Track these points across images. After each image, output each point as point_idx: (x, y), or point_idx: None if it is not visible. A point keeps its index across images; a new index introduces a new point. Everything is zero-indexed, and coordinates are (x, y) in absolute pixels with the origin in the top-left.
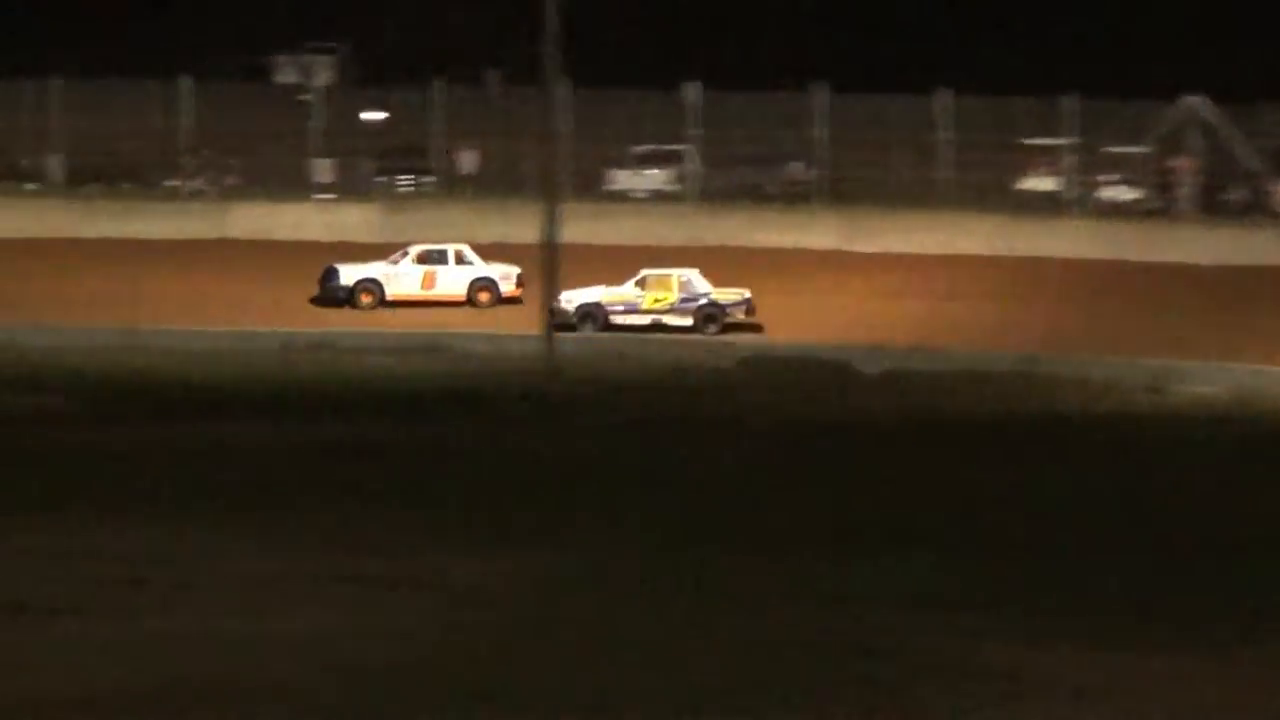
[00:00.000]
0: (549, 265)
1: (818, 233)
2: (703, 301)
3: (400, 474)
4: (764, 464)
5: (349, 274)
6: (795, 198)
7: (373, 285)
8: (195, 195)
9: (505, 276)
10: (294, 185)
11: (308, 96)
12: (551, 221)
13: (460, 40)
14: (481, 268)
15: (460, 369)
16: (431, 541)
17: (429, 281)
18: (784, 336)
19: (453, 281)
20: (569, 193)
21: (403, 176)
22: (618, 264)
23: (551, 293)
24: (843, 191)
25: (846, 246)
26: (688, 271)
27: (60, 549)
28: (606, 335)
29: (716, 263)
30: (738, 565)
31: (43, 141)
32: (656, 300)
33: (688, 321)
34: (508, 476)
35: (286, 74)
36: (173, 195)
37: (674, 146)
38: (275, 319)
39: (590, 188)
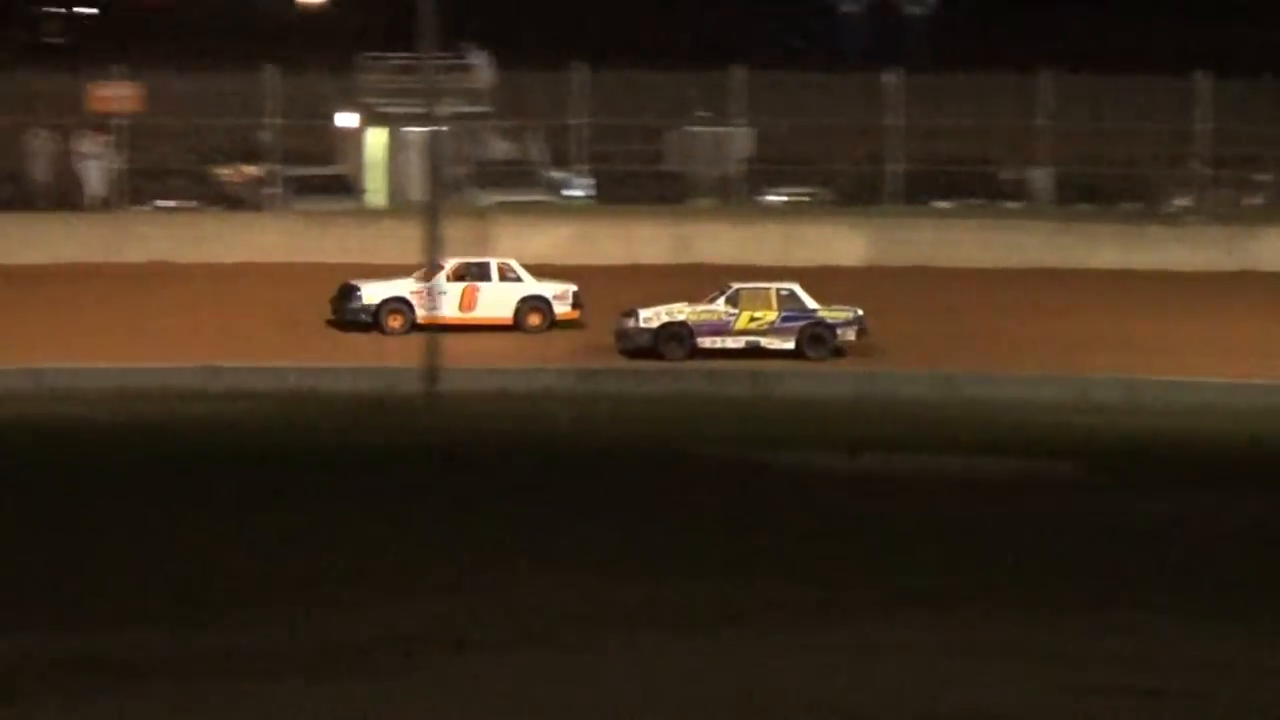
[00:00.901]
0: None
1: None
2: (808, 321)
3: None
4: None
5: (372, 293)
6: None
7: (401, 306)
8: (1205, 217)
9: (560, 295)
10: None
11: None
12: None
13: None
14: (532, 285)
15: None
16: None
17: (468, 301)
18: None
19: (497, 301)
20: None
21: None
22: None
23: None
24: None
25: None
26: (788, 285)
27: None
28: None
29: None
30: None
31: (1028, 150)
32: (753, 319)
33: (789, 344)
34: None
35: None
36: (1173, 220)
37: None
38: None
39: None
